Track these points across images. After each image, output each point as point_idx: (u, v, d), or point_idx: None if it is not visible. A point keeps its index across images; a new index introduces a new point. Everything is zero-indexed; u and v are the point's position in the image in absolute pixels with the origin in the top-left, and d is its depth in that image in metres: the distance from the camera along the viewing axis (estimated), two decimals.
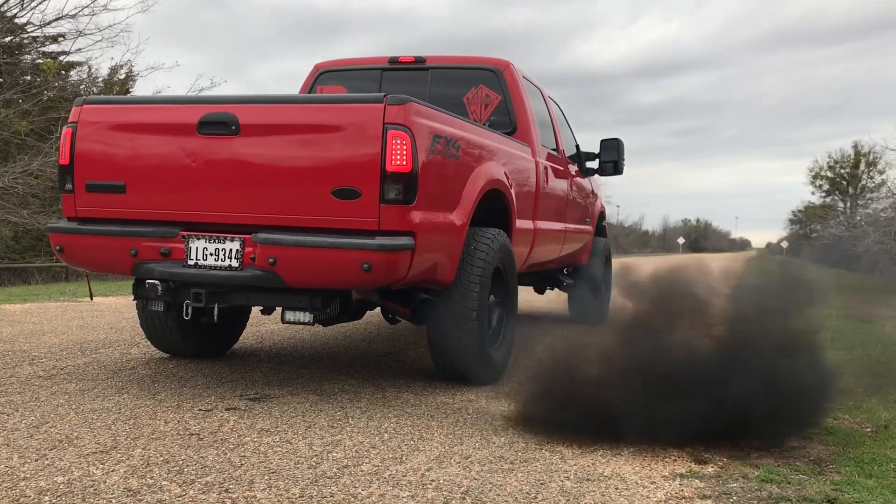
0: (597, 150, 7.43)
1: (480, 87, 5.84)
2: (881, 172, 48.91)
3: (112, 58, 28.66)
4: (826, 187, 57.42)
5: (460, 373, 4.69)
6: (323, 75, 6.34)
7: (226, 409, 3.99)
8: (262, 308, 4.84)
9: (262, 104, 4.14)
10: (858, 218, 29.68)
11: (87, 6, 17.67)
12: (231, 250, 4.06)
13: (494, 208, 4.93)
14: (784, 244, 68.29)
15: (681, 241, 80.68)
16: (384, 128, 3.83)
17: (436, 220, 4.12)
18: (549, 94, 6.98)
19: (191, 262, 4.13)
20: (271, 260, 3.94)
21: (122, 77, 23.42)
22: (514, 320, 5.16)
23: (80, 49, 19.33)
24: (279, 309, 4.51)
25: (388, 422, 3.85)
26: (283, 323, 4.33)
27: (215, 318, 4.43)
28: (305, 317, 4.21)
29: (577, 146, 7.45)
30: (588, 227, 7.74)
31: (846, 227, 27.43)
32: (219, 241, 4.08)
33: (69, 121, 4.41)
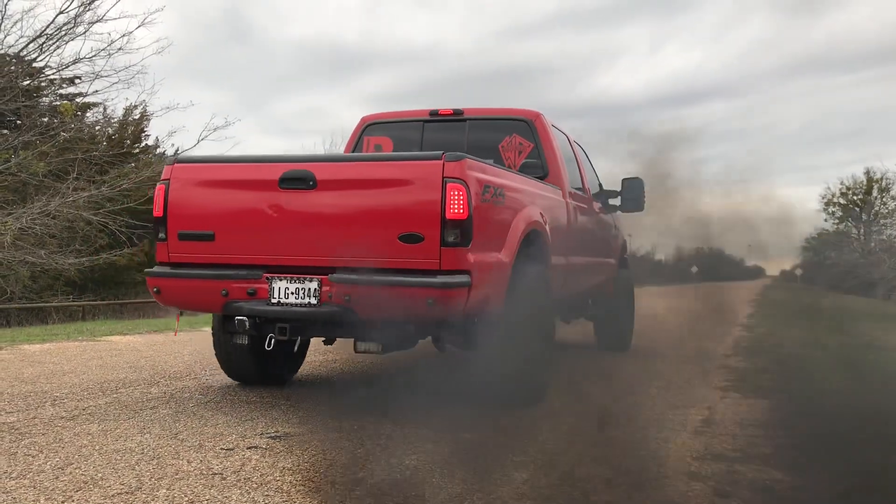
0: (619, 189, 7.80)
1: (514, 135, 6.34)
2: (894, 198, 48.66)
3: (127, 98, 28.99)
4: (839, 214, 57.08)
5: (508, 394, 5.00)
6: (369, 127, 6.83)
7: (247, 448, 4.01)
8: (324, 339, 5.27)
9: (336, 162, 4.82)
10: (873, 244, 29.53)
11: (103, 49, 17.98)
12: (310, 289, 4.55)
13: (533, 245, 5.33)
14: (798, 271, 67.74)
15: (694, 269, 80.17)
16: (443, 181, 4.33)
17: (488, 260, 4.57)
18: (574, 138, 7.41)
19: (274, 301, 4.62)
20: (346, 297, 4.41)
21: (137, 117, 23.79)
22: (551, 346, 5.53)
23: (96, 91, 19.65)
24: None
25: (409, 459, 3.86)
26: (357, 352, 4.81)
27: (296, 347, 5.19)
28: (375, 346, 4.74)
29: (600, 185, 7.88)
30: (612, 261, 8.13)
31: (860, 253, 27.27)
32: (299, 282, 4.58)
33: (162, 178, 4.90)
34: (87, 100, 20.86)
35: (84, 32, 17.82)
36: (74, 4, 17.38)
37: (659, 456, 4.02)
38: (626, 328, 8.60)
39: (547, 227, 5.52)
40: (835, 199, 57.09)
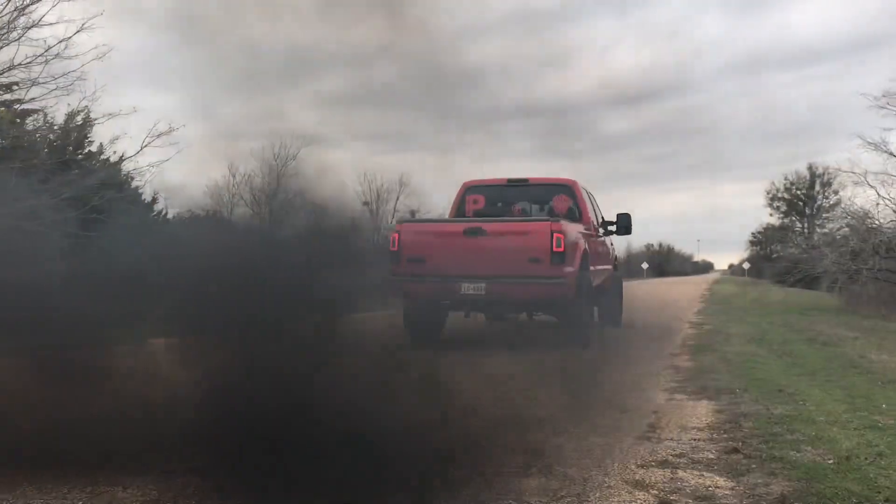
0: (614, 219, 11.66)
1: (561, 195, 10.37)
2: (836, 193, 49.87)
3: (69, 104, 28.08)
4: (783, 209, 58.39)
5: (578, 340, 8.75)
6: (469, 189, 10.66)
7: (188, 470, 3.89)
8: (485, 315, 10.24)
9: (497, 222, 9.06)
10: (816, 238, 30.24)
11: (40, 55, 17.44)
12: (482, 286, 8.54)
13: (584, 261, 9.10)
14: (745, 265, 69.19)
15: (645, 265, 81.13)
16: (551, 231, 8.35)
17: (570, 271, 8.55)
18: (589, 190, 11.26)
19: (462, 293, 8.62)
20: (502, 291, 8.55)
21: (79, 123, 23.15)
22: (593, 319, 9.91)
23: (33, 98, 19.00)
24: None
25: None
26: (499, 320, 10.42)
27: (466, 316, 9.75)
28: (511, 315, 10.26)
29: (602, 217, 11.66)
30: (610, 267, 12.27)
31: (804, 247, 27.92)
32: (476, 283, 8.53)
33: (395, 228, 9.30)
34: (25, 107, 20.22)
35: (19, 38, 17.25)
36: (8, 9, 16.84)
37: (604, 463, 4.03)
38: (618, 311, 12.59)
39: (587, 250, 9.30)
40: (779, 195, 58.46)
